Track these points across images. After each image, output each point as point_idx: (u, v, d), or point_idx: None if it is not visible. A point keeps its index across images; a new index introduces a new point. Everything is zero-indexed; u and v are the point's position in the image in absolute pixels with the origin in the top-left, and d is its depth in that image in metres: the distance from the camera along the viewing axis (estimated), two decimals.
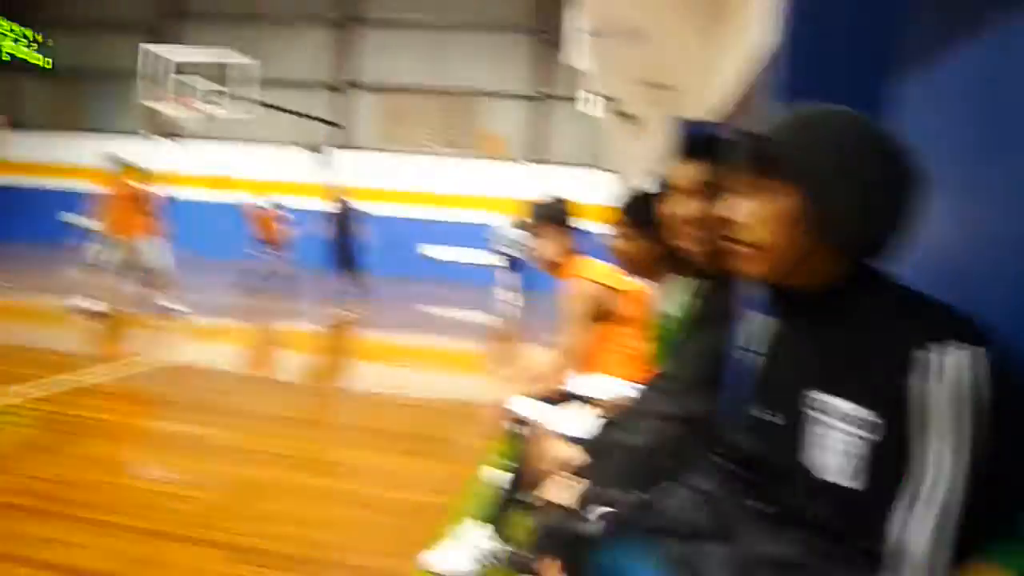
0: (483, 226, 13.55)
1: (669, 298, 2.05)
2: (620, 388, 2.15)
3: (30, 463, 3.15)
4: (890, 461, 0.86)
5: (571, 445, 1.80)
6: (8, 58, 15.88)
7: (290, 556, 2.44)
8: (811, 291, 1.01)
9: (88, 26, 17.64)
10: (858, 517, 0.90)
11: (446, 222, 15.80)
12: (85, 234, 8.42)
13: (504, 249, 12.11)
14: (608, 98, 11.48)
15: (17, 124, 17.86)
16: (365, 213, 10.99)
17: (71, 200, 10.77)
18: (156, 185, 7.46)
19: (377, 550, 2.55)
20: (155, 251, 7.36)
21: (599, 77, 8.62)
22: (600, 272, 2.42)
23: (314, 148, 16.19)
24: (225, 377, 5.52)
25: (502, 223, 12.28)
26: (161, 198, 7.49)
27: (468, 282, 12.91)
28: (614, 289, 2.38)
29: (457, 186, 16.15)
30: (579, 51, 8.21)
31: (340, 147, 16.58)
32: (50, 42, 16.68)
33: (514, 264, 12.01)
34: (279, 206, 11.10)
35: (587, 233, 2.68)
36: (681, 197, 1.56)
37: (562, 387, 2.22)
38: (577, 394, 2.13)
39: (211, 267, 12.40)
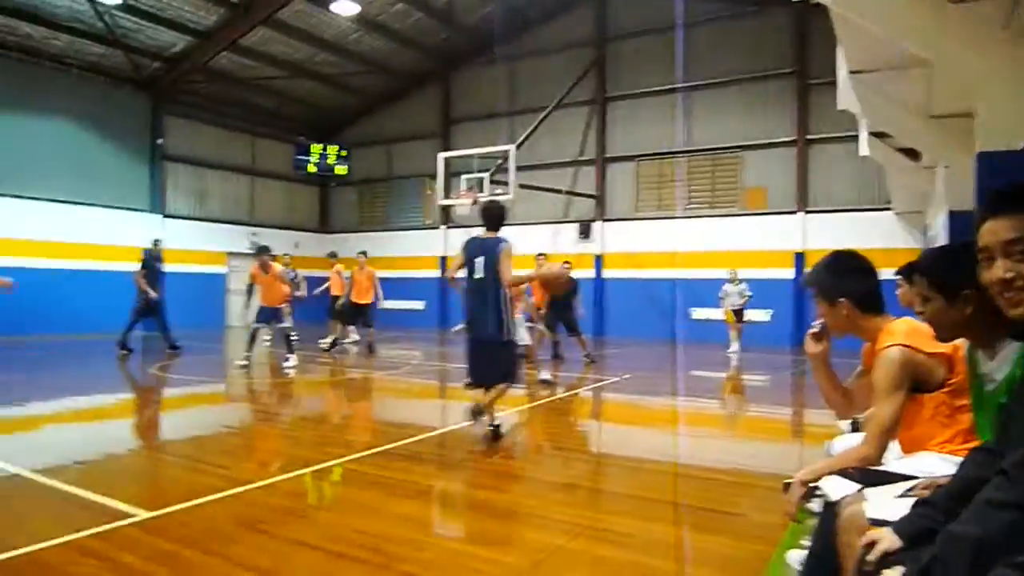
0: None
1: (993, 360, 1.80)
2: (941, 466, 1.91)
3: (354, 518, 3.65)
4: None
5: (884, 529, 1.64)
6: (315, 169, 20.48)
7: None
8: None
9: (383, 142, 21.15)
10: None
11: (710, 280, 15.47)
12: None
13: (726, 303, 12.97)
14: (883, 135, 10.49)
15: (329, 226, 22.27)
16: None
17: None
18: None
19: None
20: None
21: (872, 115, 7.94)
22: (910, 333, 2.11)
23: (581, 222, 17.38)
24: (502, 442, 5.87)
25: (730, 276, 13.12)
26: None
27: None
28: (929, 352, 2.07)
29: (718, 243, 15.86)
30: (846, 92, 7.67)
31: (603, 219, 17.43)
32: (344, 154, 21.00)
33: (737, 316, 12.89)
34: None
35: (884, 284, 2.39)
36: (995, 257, 1.37)
37: (878, 466, 2.02)
38: (896, 473, 1.92)
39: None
